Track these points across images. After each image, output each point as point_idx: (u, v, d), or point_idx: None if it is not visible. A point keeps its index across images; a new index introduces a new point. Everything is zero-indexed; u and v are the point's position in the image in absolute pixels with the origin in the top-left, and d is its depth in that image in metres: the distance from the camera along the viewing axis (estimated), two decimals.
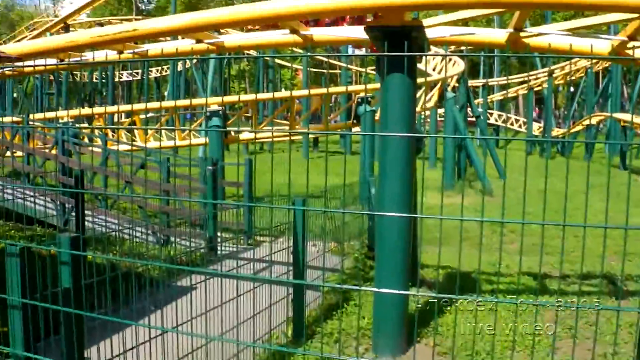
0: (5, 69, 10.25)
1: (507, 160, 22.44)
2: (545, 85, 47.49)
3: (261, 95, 33.91)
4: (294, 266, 7.67)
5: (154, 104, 31.96)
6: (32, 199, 14.24)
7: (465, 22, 11.03)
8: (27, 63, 9.27)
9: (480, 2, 8.16)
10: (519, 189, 19.82)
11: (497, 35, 10.26)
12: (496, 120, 49.48)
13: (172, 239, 13.16)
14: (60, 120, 21.79)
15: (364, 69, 54.79)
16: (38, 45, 10.34)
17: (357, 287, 7.79)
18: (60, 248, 3.92)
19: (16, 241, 9.97)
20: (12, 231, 12.88)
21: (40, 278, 4.01)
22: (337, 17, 15.07)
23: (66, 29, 48.81)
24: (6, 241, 3.71)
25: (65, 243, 3.94)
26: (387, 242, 8.02)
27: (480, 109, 36.93)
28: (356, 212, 12.57)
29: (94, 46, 9.80)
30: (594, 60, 36.86)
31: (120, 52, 10.84)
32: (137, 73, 64.79)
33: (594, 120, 40.12)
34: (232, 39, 11.97)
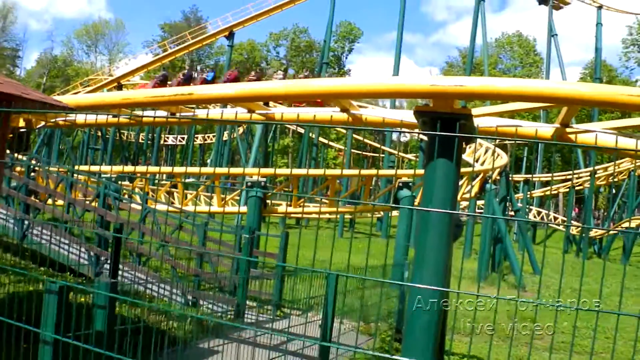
0: (62, 119, 10.56)
1: (543, 256, 22.45)
2: (586, 185, 47.27)
3: (312, 171, 34.36)
4: (320, 339, 7.62)
5: (207, 169, 32.55)
6: (67, 247, 14.46)
7: (511, 115, 11.14)
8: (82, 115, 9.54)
9: (530, 95, 8.25)
10: (552, 286, 19.54)
11: (544, 129, 10.33)
12: (535, 217, 49.17)
13: (201, 301, 13.20)
14: (103, 175, 22.19)
15: (407, 155, 55.17)
16: (95, 99, 10.69)
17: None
18: (98, 290, 4.00)
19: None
20: (44, 276, 13.01)
21: (74, 320, 4.08)
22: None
23: (119, 88, 50.25)
24: (47, 278, 3.79)
25: (103, 287, 4.03)
26: (417, 325, 7.95)
27: (519, 204, 36.79)
28: (392, 282, 12.46)
29: (149, 106, 10.08)
30: (638, 163, 36.82)
31: (173, 114, 11.11)
32: (183, 138, 66.01)
33: (633, 224, 39.73)
34: (283, 111, 12.23)
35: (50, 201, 17.67)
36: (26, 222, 15.45)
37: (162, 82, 22.36)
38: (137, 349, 4.86)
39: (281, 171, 33.23)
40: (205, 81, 21.58)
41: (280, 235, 15.29)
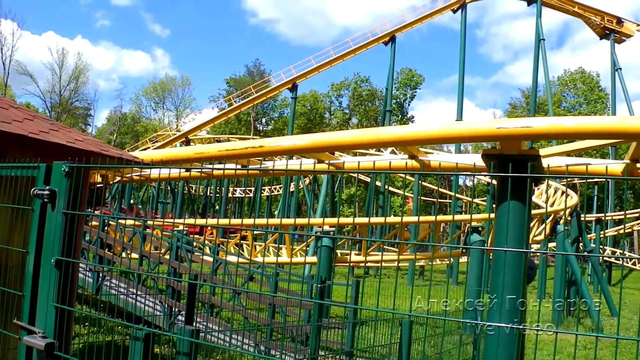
0: (137, 174, 10.86)
1: (620, 298, 21.86)
2: None
3: (374, 219, 34.26)
4: None
5: (274, 220, 32.85)
6: (140, 299, 14.75)
7: (579, 153, 11.05)
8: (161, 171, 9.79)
9: (598, 132, 8.18)
10: (632, 329, 18.98)
11: (613, 166, 10.21)
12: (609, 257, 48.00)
13: (274, 352, 13.22)
14: (175, 229, 22.60)
15: (474, 199, 54.68)
16: (168, 154, 11.02)
17: None
18: (182, 336, 4.12)
19: (123, 337, 10.29)
20: (119, 327, 13.26)
21: None
22: None
23: (187, 142, 51.36)
24: (133, 325, 3.93)
25: (187, 333, 4.14)
26: None
27: (593, 244, 35.98)
28: (469, 322, 12.31)
29: (221, 159, 10.32)
30: None
31: (244, 167, 11.34)
32: (250, 191, 66.84)
33: None
34: (351, 160, 12.36)
35: (124, 254, 18.12)
36: (101, 274, 15.81)
37: None
38: None
39: (352, 220, 33.24)
40: None
41: (351, 285, 15.28)
